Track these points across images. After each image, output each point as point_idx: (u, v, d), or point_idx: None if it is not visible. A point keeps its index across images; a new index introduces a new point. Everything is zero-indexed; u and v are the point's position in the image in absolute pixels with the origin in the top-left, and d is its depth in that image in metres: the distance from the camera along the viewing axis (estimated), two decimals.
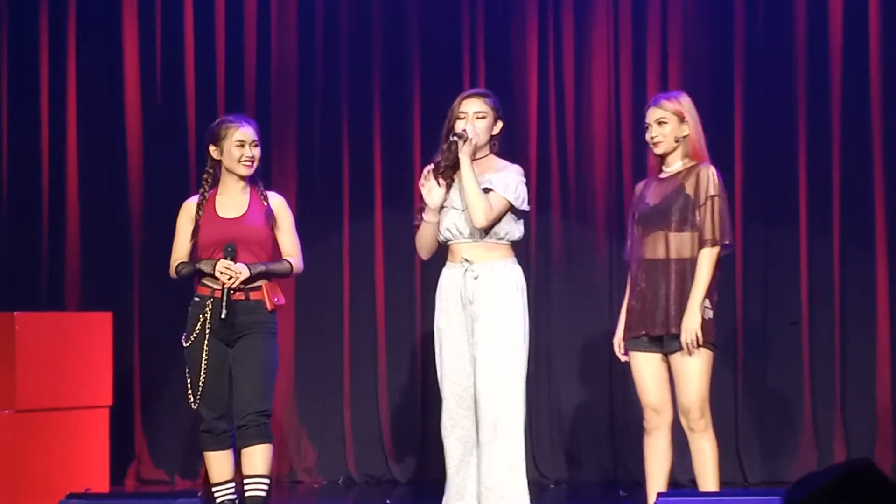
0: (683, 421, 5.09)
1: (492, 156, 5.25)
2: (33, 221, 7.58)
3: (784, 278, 7.34)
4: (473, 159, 5.12)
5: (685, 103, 5.25)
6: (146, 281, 7.50)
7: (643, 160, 5.42)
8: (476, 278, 5.07)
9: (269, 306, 5.37)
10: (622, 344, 5.23)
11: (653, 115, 5.20)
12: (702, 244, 5.07)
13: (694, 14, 7.46)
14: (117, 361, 6.82)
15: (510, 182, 5.13)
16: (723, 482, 7.12)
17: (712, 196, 5.07)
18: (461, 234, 5.11)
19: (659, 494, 4.92)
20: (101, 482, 6.59)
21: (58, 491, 5.83)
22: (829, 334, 7.28)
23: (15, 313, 6.41)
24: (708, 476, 5.10)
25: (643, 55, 7.45)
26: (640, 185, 5.35)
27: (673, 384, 5.15)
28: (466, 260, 5.10)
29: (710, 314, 5.08)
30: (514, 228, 5.17)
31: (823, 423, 7.25)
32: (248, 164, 5.44)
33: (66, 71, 7.61)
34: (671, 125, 5.18)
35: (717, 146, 7.31)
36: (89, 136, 7.64)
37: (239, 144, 5.44)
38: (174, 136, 7.59)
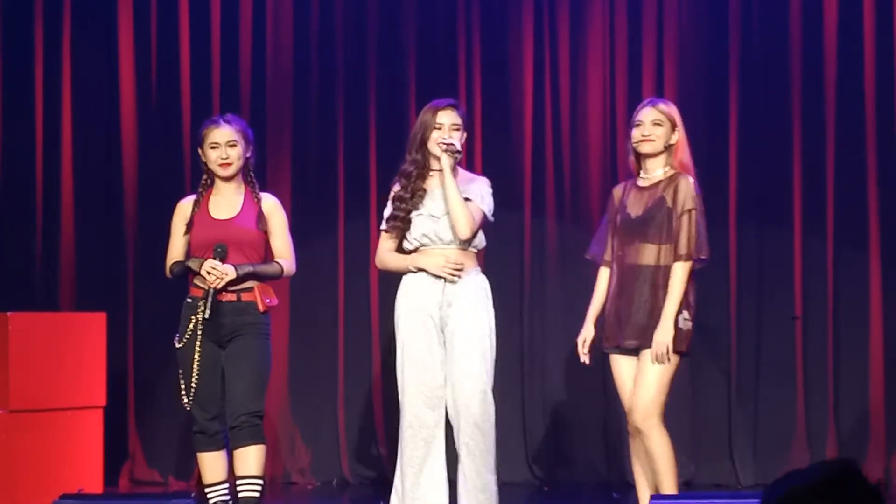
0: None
1: (456, 166, 5.36)
2: (27, 221, 7.57)
3: (778, 280, 7.35)
4: (440, 169, 5.25)
5: (676, 113, 5.27)
6: (140, 281, 7.50)
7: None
8: (454, 283, 5.21)
9: (260, 307, 5.37)
10: (587, 343, 5.31)
11: (649, 114, 5.22)
12: (676, 257, 5.10)
13: (689, 17, 7.46)
14: (111, 362, 6.82)
15: (485, 195, 5.30)
16: (716, 485, 7.20)
17: (689, 210, 5.11)
18: (440, 240, 5.25)
19: (652, 497, 4.94)
20: (94, 483, 6.58)
21: (51, 491, 5.82)
22: (822, 336, 7.28)
23: (9, 313, 6.40)
24: (662, 475, 5.11)
25: (639, 57, 7.45)
26: (618, 190, 5.36)
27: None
28: None
29: (688, 325, 5.12)
30: (482, 238, 5.35)
31: (816, 426, 7.26)
32: (223, 165, 5.44)
33: (61, 70, 7.60)
34: (665, 129, 5.21)
35: (712, 148, 7.36)
36: (84, 135, 7.63)
37: (213, 146, 5.46)
38: (169, 137, 7.59)
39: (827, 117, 7.33)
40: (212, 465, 5.46)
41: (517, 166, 7.46)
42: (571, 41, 7.54)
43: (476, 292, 5.23)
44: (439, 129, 5.25)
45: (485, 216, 5.29)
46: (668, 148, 5.22)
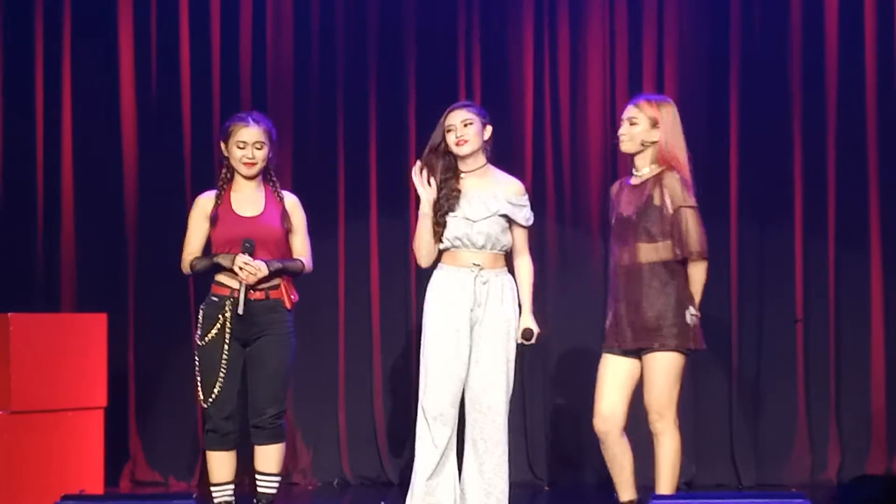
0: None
1: (488, 164, 5.48)
2: (28, 222, 7.56)
3: (779, 280, 7.35)
4: (471, 170, 5.39)
5: (665, 111, 5.20)
6: (141, 282, 7.50)
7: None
8: (485, 283, 5.33)
9: (287, 304, 5.44)
10: None
11: (627, 112, 5.24)
12: (689, 257, 5.08)
13: (690, 16, 7.47)
14: (112, 363, 6.82)
15: (526, 211, 5.43)
16: (717, 485, 7.20)
17: (683, 206, 5.08)
18: (473, 244, 5.35)
19: (653, 496, 4.94)
20: (95, 484, 6.59)
21: (52, 492, 5.82)
22: (824, 336, 7.29)
23: (10, 314, 6.40)
24: (661, 477, 5.14)
25: (639, 57, 7.46)
26: (614, 188, 5.38)
27: (633, 389, 5.23)
28: (477, 265, 5.33)
29: (694, 321, 5.12)
30: (509, 239, 5.43)
31: (818, 426, 7.26)
32: (248, 164, 5.46)
33: (62, 70, 7.59)
34: (641, 128, 5.18)
35: (713, 147, 7.36)
36: (84, 136, 7.62)
37: (241, 146, 5.47)
38: (170, 136, 7.58)
39: (828, 116, 7.33)
40: (220, 464, 5.48)
41: (517, 167, 7.44)
42: (571, 42, 7.54)
43: (504, 292, 5.35)
44: (451, 131, 5.36)
45: (529, 230, 5.49)
46: (647, 145, 5.19)
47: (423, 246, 5.39)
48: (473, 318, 5.31)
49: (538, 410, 7.43)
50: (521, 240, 5.44)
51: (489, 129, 5.42)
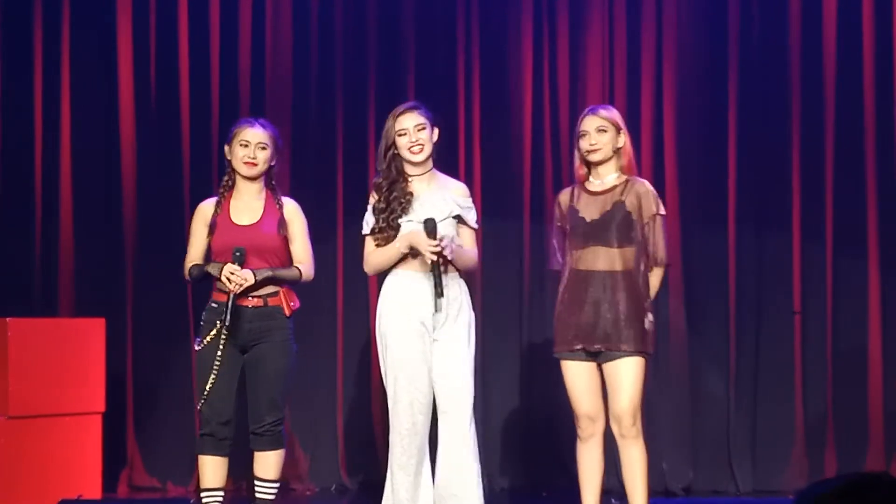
0: (615, 427, 5.20)
1: (434, 168, 5.43)
2: (26, 227, 7.55)
3: (777, 284, 7.35)
4: (419, 174, 5.34)
5: (619, 116, 5.32)
6: (139, 287, 7.49)
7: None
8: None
9: (286, 311, 5.43)
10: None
11: (592, 122, 5.24)
12: (654, 263, 5.17)
13: (688, 19, 7.47)
14: (110, 368, 6.82)
15: (474, 213, 5.42)
16: (714, 491, 7.20)
17: (657, 214, 5.20)
18: None
19: (652, 500, 4.97)
20: (93, 489, 6.59)
21: (50, 497, 5.85)
22: (821, 341, 7.29)
23: (8, 319, 6.41)
24: (636, 483, 5.16)
25: (638, 58, 7.47)
26: (564, 196, 5.35)
27: (605, 392, 5.25)
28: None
29: (652, 327, 5.19)
30: (460, 242, 5.37)
31: (815, 431, 7.26)
32: (248, 164, 5.47)
33: (60, 74, 7.58)
34: (609, 134, 5.24)
35: (711, 150, 7.38)
36: (83, 140, 7.61)
37: (243, 144, 5.50)
38: (168, 141, 7.58)
39: (826, 119, 7.34)
40: (213, 469, 5.49)
41: (516, 170, 7.47)
42: (571, 42, 7.54)
43: (460, 295, 5.31)
44: (403, 134, 5.31)
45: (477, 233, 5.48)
46: (616, 151, 5.24)
47: (381, 265, 5.37)
48: (430, 323, 5.25)
49: (536, 415, 7.43)
50: (469, 241, 5.38)
51: (437, 131, 5.39)
